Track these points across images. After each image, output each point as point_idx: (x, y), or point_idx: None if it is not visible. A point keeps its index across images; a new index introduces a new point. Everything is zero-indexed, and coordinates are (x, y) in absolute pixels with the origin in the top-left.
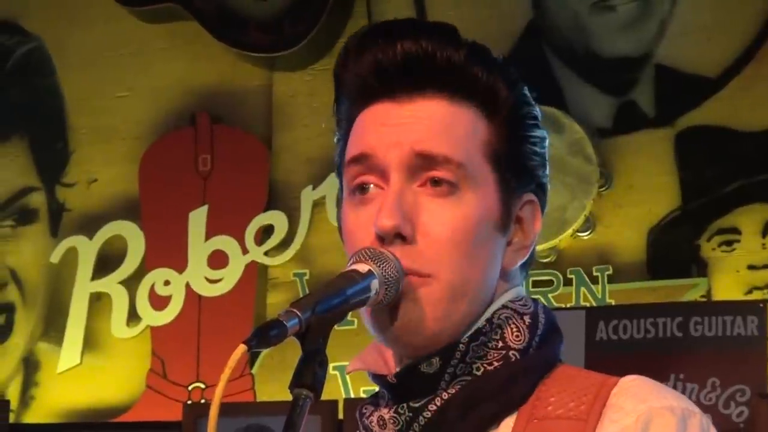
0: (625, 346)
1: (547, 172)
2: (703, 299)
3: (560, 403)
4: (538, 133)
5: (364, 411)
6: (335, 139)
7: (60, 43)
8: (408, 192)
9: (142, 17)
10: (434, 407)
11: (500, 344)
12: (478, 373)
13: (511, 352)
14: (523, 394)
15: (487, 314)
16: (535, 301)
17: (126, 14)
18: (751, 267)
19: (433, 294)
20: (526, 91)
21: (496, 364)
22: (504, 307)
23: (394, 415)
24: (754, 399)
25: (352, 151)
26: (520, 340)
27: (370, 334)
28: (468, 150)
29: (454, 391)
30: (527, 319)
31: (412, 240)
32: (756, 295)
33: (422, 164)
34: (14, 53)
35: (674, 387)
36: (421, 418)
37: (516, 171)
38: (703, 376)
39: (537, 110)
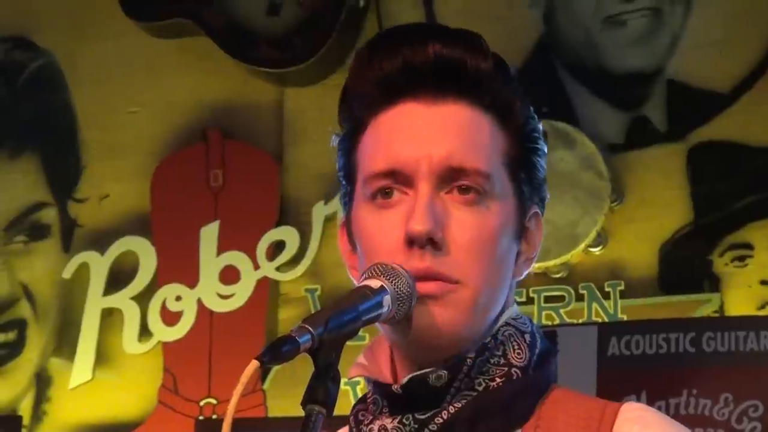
0: (638, 362)
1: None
2: (716, 314)
3: (565, 425)
4: (544, 147)
5: (362, 418)
6: (338, 141)
7: (72, 58)
8: (437, 199)
9: (153, 33)
10: (441, 420)
11: (502, 361)
12: (480, 389)
13: (513, 370)
14: (525, 414)
15: (493, 330)
16: (530, 319)
17: (137, 30)
18: (763, 282)
19: (463, 300)
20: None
21: (498, 380)
22: (507, 324)
23: (398, 425)
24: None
25: (380, 164)
26: (521, 359)
27: None
28: (492, 159)
29: (459, 405)
30: (527, 337)
31: (443, 246)
32: None
33: (452, 175)
34: (26, 69)
35: (687, 402)
36: (427, 430)
37: (529, 182)
38: (716, 392)
39: (540, 125)
